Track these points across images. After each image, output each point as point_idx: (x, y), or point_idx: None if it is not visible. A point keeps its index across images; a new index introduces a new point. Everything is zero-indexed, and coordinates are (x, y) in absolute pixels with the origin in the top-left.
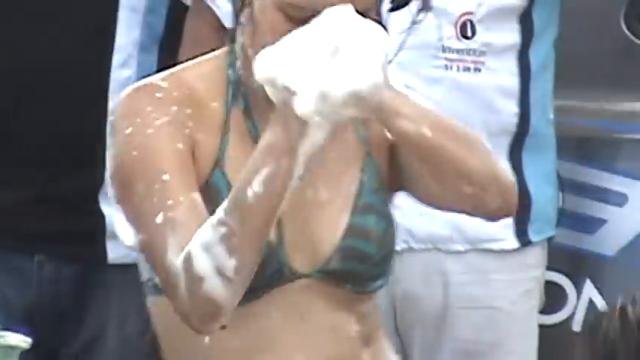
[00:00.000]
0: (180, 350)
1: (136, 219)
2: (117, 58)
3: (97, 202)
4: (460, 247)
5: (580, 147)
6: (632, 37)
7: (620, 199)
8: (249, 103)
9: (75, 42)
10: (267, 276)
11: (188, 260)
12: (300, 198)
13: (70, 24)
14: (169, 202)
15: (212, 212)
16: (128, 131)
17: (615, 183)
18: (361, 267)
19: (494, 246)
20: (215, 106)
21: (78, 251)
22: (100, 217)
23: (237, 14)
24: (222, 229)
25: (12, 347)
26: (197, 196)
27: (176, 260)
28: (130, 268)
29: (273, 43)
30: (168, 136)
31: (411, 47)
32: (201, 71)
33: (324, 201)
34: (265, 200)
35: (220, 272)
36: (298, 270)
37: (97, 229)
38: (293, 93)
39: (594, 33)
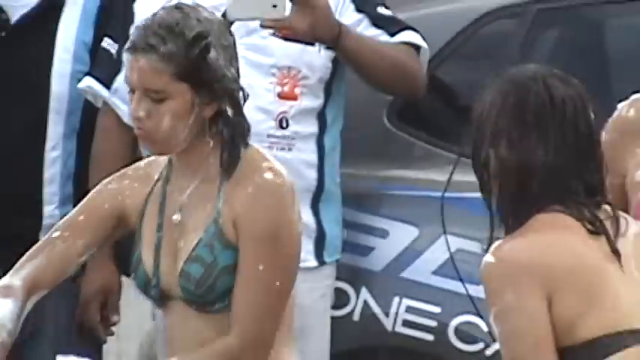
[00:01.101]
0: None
1: None
2: (48, 144)
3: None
4: None
5: (357, 199)
6: (391, 127)
7: (383, 233)
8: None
9: (24, 129)
10: (150, 296)
11: None
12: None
13: (19, 118)
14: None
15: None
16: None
17: (381, 222)
18: (192, 294)
19: (302, 265)
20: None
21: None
22: None
23: None
24: None
25: None
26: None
27: None
28: None
29: None
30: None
31: None
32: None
33: (180, 248)
34: None
35: None
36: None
37: None
38: None
39: (365, 124)
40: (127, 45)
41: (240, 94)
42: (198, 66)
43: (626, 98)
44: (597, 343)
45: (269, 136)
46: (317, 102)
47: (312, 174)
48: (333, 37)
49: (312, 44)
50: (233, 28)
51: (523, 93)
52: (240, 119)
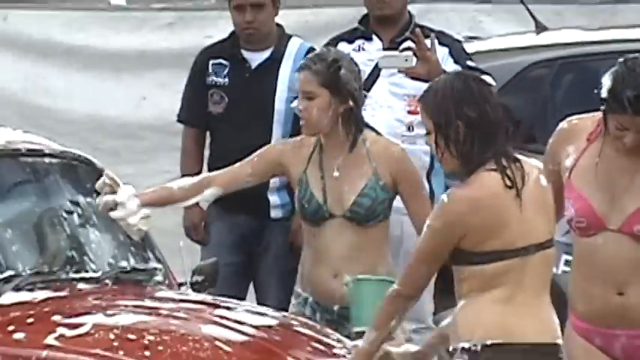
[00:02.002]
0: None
1: None
2: (273, 142)
3: None
4: None
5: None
6: None
7: None
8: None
9: (258, 133)
10: (318, 217)
11: None
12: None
13: (256, 127)
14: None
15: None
16: None
17: None
18: (361, 215)
19: None
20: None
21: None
22: None
23: None
24: None
25: (390, 282)
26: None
27: None
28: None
29: None
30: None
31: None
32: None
33: (346, 191)
34: None
35: None
36: (335, 213)
37: None
38: None
39: None
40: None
41: (361, 98)
42: (334, 78)
43: None
44: (492, 253)
45: (402, 136)
46: None
47: (426, 158)
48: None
49: (427, 82)
50: (383, 72)
51: (465, 83)
52: (360, 113)
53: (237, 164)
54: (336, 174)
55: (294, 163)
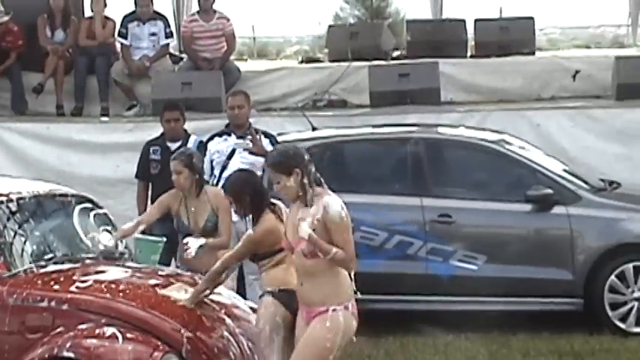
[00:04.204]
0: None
1: None
2: None
3: None
4: None
5: None
6: None
7: None
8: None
9: None
10: (182, 231)
11: None
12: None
13: None
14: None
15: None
16: None
17: None
18: (208, 230)
19: None
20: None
21: None
22: None
23: None
24: None
25: (155, 242)
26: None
27: None
28: None
29: None
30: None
31: None
32: None
33: (200, 214)
34: None
35: None
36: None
37: None
38: None
39: None
40: None
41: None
42: (189, 162)
43: None
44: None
45: None
46: None
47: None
48: None
49: (259, 155)
50: (236, 151)
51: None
52: (202, 178)
53: (152, 207)
54: (192, 209)
55: (174, 205)
